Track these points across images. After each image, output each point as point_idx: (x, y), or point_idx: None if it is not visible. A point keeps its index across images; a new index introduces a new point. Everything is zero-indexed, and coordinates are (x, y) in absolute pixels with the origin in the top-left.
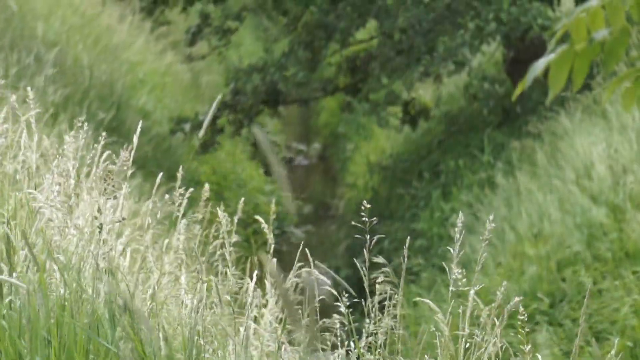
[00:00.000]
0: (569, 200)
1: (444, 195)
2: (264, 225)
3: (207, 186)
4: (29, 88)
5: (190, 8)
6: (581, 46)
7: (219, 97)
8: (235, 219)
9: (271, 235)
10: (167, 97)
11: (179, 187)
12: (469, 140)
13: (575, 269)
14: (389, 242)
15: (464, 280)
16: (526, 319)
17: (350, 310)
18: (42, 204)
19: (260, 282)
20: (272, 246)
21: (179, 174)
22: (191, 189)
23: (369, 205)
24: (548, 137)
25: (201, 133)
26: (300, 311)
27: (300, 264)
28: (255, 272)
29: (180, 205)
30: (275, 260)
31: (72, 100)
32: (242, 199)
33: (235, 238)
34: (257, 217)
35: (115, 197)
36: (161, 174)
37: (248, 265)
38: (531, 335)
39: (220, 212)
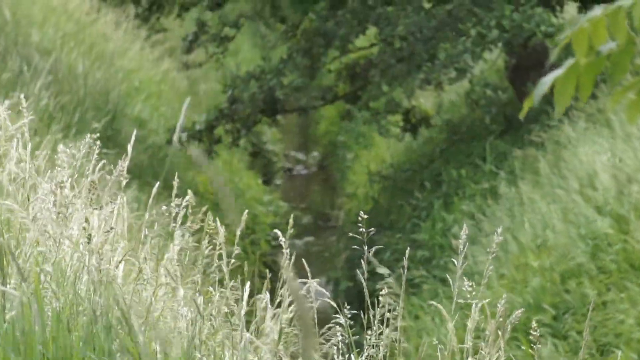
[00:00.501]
0: (572, 210)
1: (445, 205)
2: (282, 239)
3: (190, 193)
4: (22, 95)
5: (185, 14)
6: (586, 61)
7: (188, 100)
8: (238, 231)
9: (287, 250)
10: (163, 105)
11: (176, 198)
12: (471, 149)
13: (580, 281)
14: (390, 253)
15: (473, 293)
16: (538, 334)
17: (351, 322)
18: (30, 216)
19: (263, 292)
20: (288, 261)
21: (175, 183)
22: (187, 197)
23: (366, 216)
24: (551, 146)
25: (175, 136)
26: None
27: (299, 275)
28: (248, 282)
29: (176, 216)
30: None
31: (67, 109)
32: (246, 210)
33: (236, 250)
34: (276, 231)
35: (101, 208)
36: (157, 184)
37: (248, 276)
38: (535, 348)
39: (216, 223)
